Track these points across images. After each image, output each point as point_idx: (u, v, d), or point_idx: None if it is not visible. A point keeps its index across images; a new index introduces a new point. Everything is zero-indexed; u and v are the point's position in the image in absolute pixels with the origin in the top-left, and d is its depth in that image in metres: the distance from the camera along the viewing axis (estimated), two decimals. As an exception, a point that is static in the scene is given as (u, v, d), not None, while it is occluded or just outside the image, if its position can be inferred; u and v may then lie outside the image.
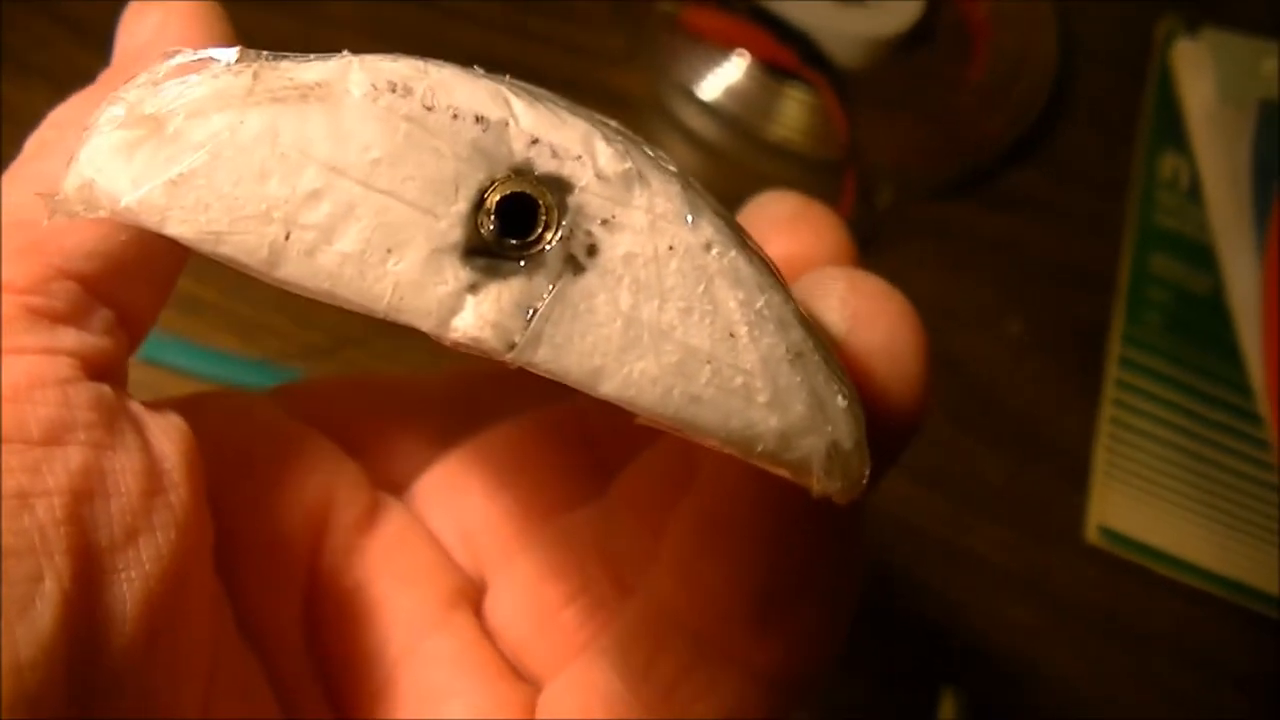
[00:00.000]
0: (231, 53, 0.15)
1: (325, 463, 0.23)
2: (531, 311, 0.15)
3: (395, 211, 0.15)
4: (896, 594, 0.41)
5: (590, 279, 0.15)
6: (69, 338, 0.17)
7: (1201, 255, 0.47)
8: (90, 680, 0.15)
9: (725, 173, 0.47)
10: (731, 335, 0.15)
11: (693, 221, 0.15)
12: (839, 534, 0.20)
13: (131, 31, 0.19)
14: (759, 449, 0.15)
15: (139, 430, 0.17)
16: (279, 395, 0.24)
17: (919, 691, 0.39)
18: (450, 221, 0.15)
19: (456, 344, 0.15)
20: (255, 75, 0.15)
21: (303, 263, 0.14)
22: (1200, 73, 0.50)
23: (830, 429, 0.15)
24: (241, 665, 0.19)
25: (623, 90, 0.48)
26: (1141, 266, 0.47)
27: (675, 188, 0.15)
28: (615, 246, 0.15)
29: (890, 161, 0.47)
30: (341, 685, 0.22)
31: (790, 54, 0.47)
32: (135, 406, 0.17)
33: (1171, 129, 0.50)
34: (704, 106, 0.48)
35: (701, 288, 0.15)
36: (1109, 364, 0.45)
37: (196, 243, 0.14)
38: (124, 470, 0.16)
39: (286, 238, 0.14)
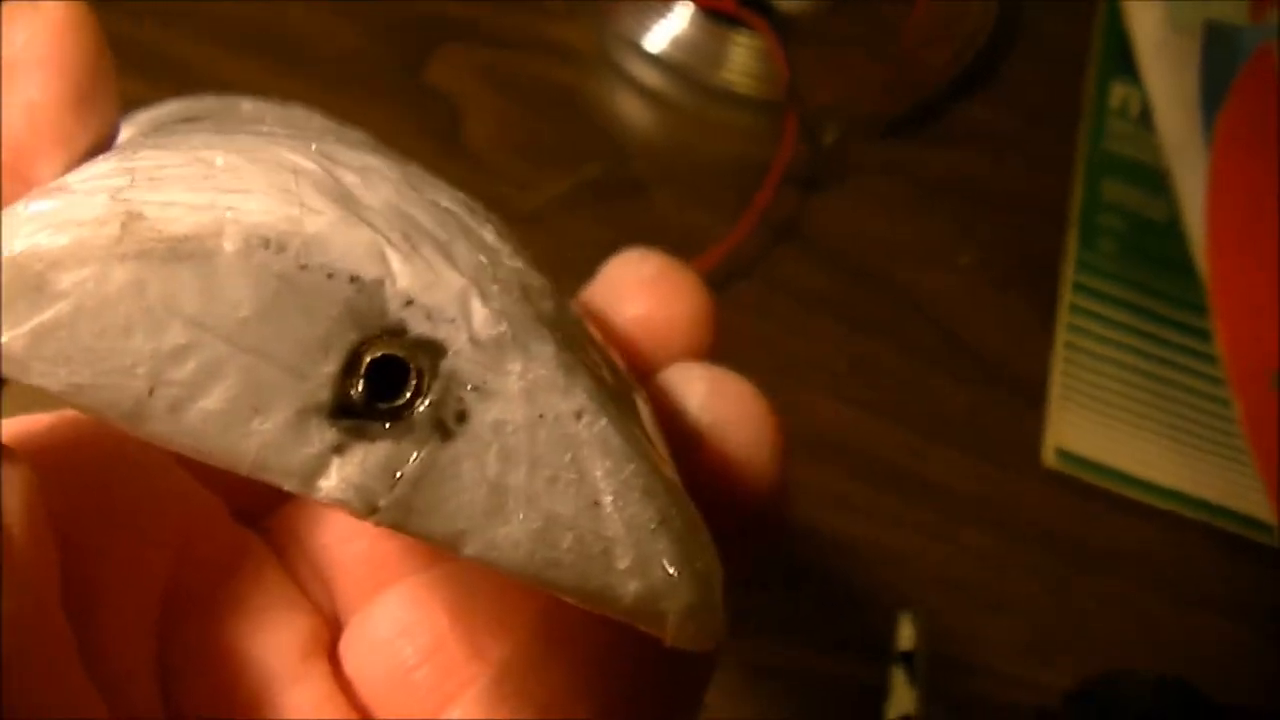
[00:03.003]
0: (100, 200, 0.14)
1: (181, 495, 0.22)
2: (397, 475, 0.15)
3: (262, 370, 0.14)
4: (853, 522, 0.41)
5: (459, 445, 0.15)
6: None
7: (1154, 180, 0.47)
8: None
9: (675, 123, 0.48)
10: (596, 504, 0.15)
11: (565, 388, 0.15)
12: (685, 660, 0.20)
13: (16, 39, 0.17)
14: (616, 609, 0.15)
15: None
16: None
17: (878, 617, 0.39)
18: (318, 382, 0.14)
19: (321, 502, 0.15)
20: (123, 225, 0.14)
21: (166, 419, 0.14)
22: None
23: (688, 592, 0.16)
24: (88, 713, 0.19)
25: (567, 45, 0.48)
26: (1094, 193, 0.47)
27: (549, 350, 0.15)
28: (485, 413, 0.15)
29: (835, 101, 0.47)
30: None
31: (731, -1, 0.47)
32: None
33: (1120, 58, 0.50)
34: (650, 58, 0.48)
35: (569, 456, 0.15)
36: (1063, 290, 0.45)
37: (59, 394, 0.14)
38: None
39: (150, 393, 0.14)
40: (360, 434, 0.15)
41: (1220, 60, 0.48)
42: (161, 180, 0.15)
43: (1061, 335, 0.44)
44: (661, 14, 0.48)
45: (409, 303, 0.15)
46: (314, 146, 0.17)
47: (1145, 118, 0.48)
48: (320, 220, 0.14)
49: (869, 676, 0.39)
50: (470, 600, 0.22)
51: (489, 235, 0.17)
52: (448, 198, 0.18)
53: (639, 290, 0.22)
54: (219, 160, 0.16)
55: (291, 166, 0.16)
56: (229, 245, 0.14)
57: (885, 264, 0.46)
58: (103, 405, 0.14)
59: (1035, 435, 0.43)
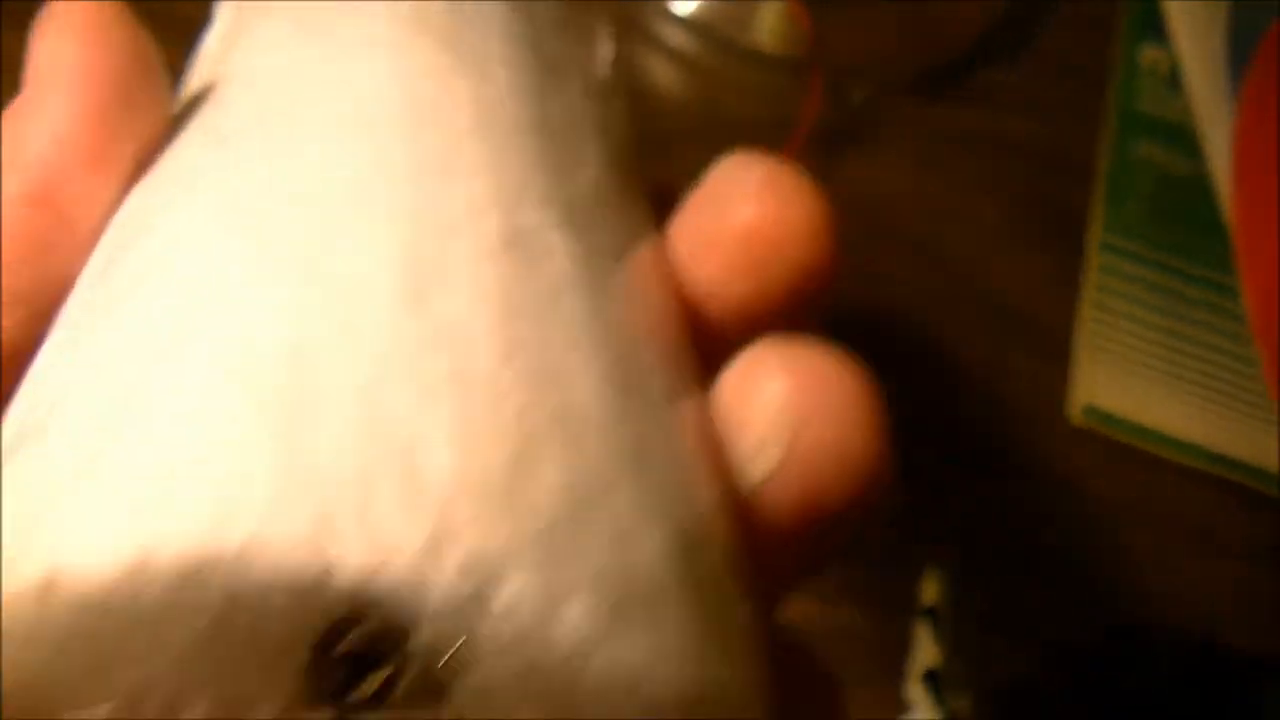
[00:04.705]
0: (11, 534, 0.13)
1: None
2: None
3: (226, 697, 0.13)
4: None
5: (459, 701, 0.14)
6: None
7: (1183, 139, 0.47)
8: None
9: (703, 83, 0.48)
10: None
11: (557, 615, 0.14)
12: None
13: (47, 52, 0.17)
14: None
15: None
16: None
17: (900, 573, 0.39)
18: (286, 699, 0.13)
19: None
20: (43, 591, 0.13)
21: None
22: (1176, -38, 0.50)
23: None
24: None
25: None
26: (1123, 152, 0.47)
27: (525, 586, 0.14)
28: (469, 678, 0.14)
29: (864, 59, 0.47)
30: None
31: (755, -43, 0.47)
32: None
33: (1150, 21, 0.50)
34: (680, 22, 0.48)
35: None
36: (1090, 249, 0.45)
37: None
38: None
39: None
40: None
41: (1248, 20, 0.48)
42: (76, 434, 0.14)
43: (1089, 293, 0.45)
44: (689, -23, 0.48)
45: (360, 590, 0.13)
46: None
47: (1175, 78, 0.48)
48: (249, 518, 0.13)
49: (891, 631, 0.39)
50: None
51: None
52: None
53: (743, 199, 0.19)
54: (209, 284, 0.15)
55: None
56: (152, 589, 0.13)
57: (912, 221, 0.46)
58: None
59: (1060, 391, 0.43)
